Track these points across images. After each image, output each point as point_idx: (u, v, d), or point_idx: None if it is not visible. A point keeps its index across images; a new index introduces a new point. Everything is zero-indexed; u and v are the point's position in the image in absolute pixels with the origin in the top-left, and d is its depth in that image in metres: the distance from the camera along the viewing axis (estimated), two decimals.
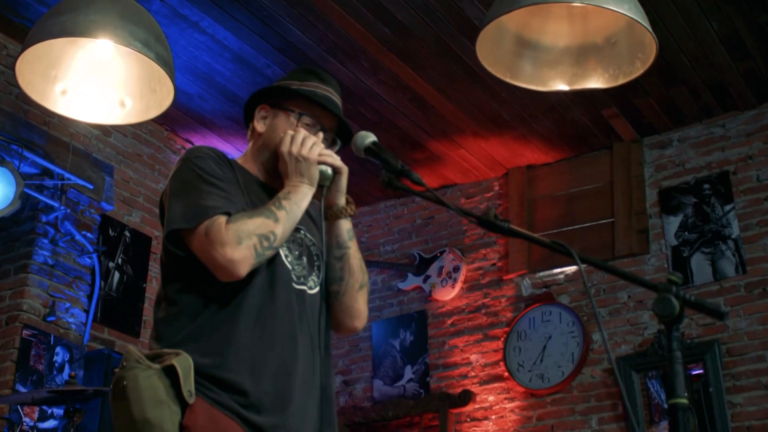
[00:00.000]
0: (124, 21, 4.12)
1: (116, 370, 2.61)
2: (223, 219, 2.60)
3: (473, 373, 7.88)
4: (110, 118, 4.45)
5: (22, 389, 6.25)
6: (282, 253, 2.76)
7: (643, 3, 3.74)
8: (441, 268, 8.31)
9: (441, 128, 7.69)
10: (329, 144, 2.96)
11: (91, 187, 6.90)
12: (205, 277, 2.63)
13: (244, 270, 2.58)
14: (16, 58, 4.16)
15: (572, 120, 7.51)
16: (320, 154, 2.82)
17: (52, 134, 6.82)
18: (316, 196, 2.87)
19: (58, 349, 6.51)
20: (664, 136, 7.69)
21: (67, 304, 6.68)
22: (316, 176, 2.81)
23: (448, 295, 8.23)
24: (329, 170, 2.85)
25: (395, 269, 8.58)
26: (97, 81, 4.37)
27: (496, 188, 8.42)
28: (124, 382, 2.51)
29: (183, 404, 2.49)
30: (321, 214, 2.90)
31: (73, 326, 6.66)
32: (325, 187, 2.88)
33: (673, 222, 7.39)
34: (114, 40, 4.07)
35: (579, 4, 3.65)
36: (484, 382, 7.80)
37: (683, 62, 6.75)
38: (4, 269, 6.69)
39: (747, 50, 6.65)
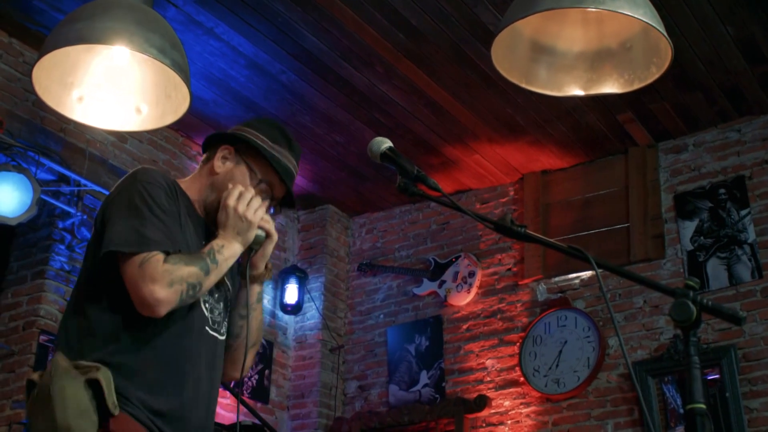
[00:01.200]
0: (140, 28, 4.13)
1: (33, 377, 2.68)
2: (161, 256, 2.65)
3: (489, 378, 7.87)
4: (126, 124, 4.46)
5: None
6: (202, 299, 2.84)
7: (658, 8, 3.74)
8: (456, 273, 8.31)
9: (456, 133, 7.69)
10: (271, 206, 3.07)
11: (107, 193, 6.90)
12: (129, 306, 2.67)
13: (164, 311, 2.64)
14: (32, 65, 4.17)
15: (587, 125, 7.50)
16: (261, 218, 2.92)
17: (68, 141, 6.84)
18: (242, 256, 2.95)
19: None
20: (679, 141, 7.67)
21: None
22: (251, 239, 2.90)
23: (463, 300, 8.23)
24: (263, 235, 2.95)
25: (410, 274, 8.58)
26: (113, 88, 4.38)
27: (511, 193, 8.42)
28: (49, 391, 2.56)
29: (102, 415, 2.56)
30: (238, 273, 3.03)
31: None
32: (253, 249, 2.96)
33: (689, 227, 7.37)
34: (130, 47, 4.09)
35: (594, 9, 3.65)
36: (499, 387, 7.79)
37: (698, 67, 6.74)
38: (21, 275, 6.72)
39: (762, 54, 6.63)
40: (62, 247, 6.70)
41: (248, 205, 2.87)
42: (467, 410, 7.71)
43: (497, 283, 8.17)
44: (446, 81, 7.00)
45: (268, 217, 2.95)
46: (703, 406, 2.01)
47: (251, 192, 2.90)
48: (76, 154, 6.86)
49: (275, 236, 2.98)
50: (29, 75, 4.36)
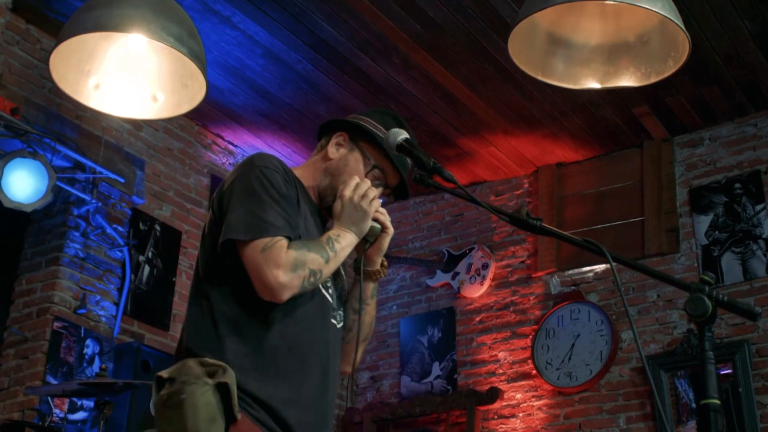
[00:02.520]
0: (157, 16, 4.14)
1: (165, 376, 2.63)
2: (284, 242, 2.64)
3: (501, 371, 7.87)
4: (142, 112, 4.47)
5: (53, 381, 6.30)
6: (323, 287, 2.82)
7: (675, 1, 3.72)
8: (470, 265, 8.31)
9: (471, 125, 7.68)
10: (384, 195, 3.04)
11: (122, 180, 6.94)
12: (251, 292, 2.66)
13: (287, 296, 2.62)
14: (50, 53, 4.18)
15: (603, 118, 7.49)
16: (376, 210, 2.89)
17: (84, 128, 6.86)
18: (357, 248, 2.93)
19: (88, 342, 6.55)
20: (695, 135, 7.65)
21: (98, 297, 6.72)
22: (366, 230, 2.88)
23: (476, 292, 8.23)
24: (378, 227, 2.92)
25: (424, 266, 8.59)
26: (129, 75, 4.39)
27: (526, 186, 8.41)
28: (183, 396, 2.54)
29: (227, 419, 2.55)
30: (354, 266, 3.00)
31: (104, 319, 6.71)
32: (368, 242, 2.94)
33: (704, 221, 7.35)
34: (147, 35, 4.09)
35: (612, 2, 3.64)
36: (511, 379, 7.79)
37: (715, 60, 6.71)
38: (35, 262, 6.74)
39: None
40: (77, 234, 6.71)
41: (364, 195, 2.84)
42: (479, 402, 7.72)
43: (510, 276, 8.16)
44: (462, 73, 6.99)
45: (383, 210, 2.93)
46: (717, 401, 2.00)
47: (368, 183, 2.88)
48: (91, 142, 6.87)
49: (391, 229, 2.97)
50: (46, 62, 4.37)
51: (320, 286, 2.78)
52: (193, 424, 2.51)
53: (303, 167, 3.04)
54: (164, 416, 2.60)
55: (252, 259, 2.63)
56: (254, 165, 2.77)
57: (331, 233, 2.79)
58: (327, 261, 2.70)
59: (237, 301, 2.69)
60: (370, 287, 3.01)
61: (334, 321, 2.87)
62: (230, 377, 2.56)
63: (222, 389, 2.55)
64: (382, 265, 3.03)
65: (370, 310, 3.02)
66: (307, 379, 2.71)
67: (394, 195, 3.07)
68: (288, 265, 2.60)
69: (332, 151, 2.99)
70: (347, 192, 2.85)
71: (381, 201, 3.00)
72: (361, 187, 2.86)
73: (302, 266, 2.62)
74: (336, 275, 2.93)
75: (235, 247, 2.68)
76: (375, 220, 2.89)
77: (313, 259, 2.66)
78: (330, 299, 2.85)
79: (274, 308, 2.67)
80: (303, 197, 2.88)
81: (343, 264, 2.94)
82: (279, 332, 2.68)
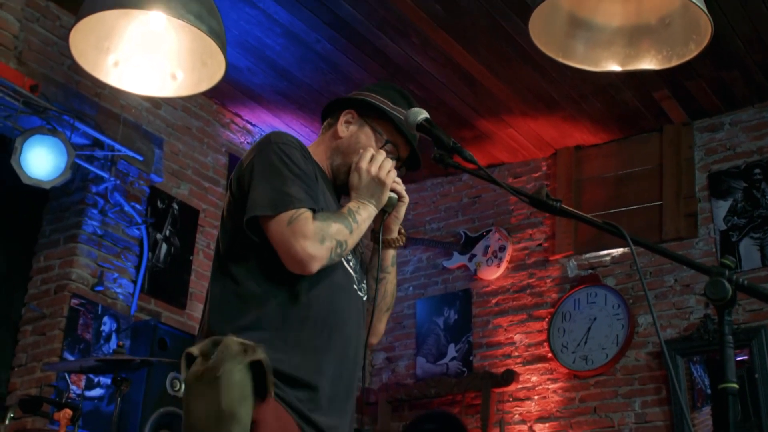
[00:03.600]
0: None
1: (197, 352, 2.61)
2: (309, 213, 2.66)
3: (517, 353, 7.87)
4: (161, 90, 4.46)
5: (70, 357, 6.33)
6: (344, 259, 2.84)
7: None
8: (487, 247, 8.30)
9: (490, 107, 7.66)
10: (397, 168, 3.05)
11: (140, 158, 6.95)
12: (276, 267, 2.68)
13: (316, 268, 2.64)
14: (69, 30, 4.18)
15: (622, 101, 7.46)
16: (393, 181, 2.92)
17: (103, 106, 6.87)
18: (375, 219, 2.95)
19: (105, 319, 6.57)
20: (715, 120, 7.61)
21: (115, 275, 6.74)
22: (384, 200, 2.90)
23: (493, 274, 8.22)
24: (396, 197, 2.95)
25: (441, 247, 8.58)
26: (149, 53, 4.38)
27: (544, 168, 8.39)
28: (219, 373, 2.53)
29: (256, 398, 2.56)
30: (372, 236, 3.02)
31: (121, 296, 6.73)
32: (386, 212, 2.96)
33: (722, 206, 7.32)
34: (167, 13, 4.08)
35: None
36: (527, 362, 7.79)
37: (737, 44, 6.67)
38: (53, 239, 6.76)
39: None
40: (95, 211, 6.73)
41: (380, 166, 2.87)
42: (494, 384, 7.72)
43: (527, 258, 8.15)
44: (482, 54, 6.96)
45: (399, 179, 2.95)
46: (735, 385, 1.99)
47: (383, 154, 2.91)
48: (110, 119, 6.88)
49: (407, 198, 3.00)
50: (66, 39, 4.37)
51: (343, 258, 2.80)
52: (227, 401, 2.51)
53: (314, 146, 3.06)
54: (197, 391, 2.59)
55: (278, 233, 2.65)
56: (272, 142, 2.79)
57: (351, 205, 2.82)
58: (351, 232, 2.73)
59: (263, 278, 2.71)
60: (390, 255, 3.04)
61: (360, 293, 2.90)
62: (263, 355, 2.57)
63: (255, 368, 2.56)
64: (399, 232, 3.06)
65: (391, 279, 3.05)
66: (334, 352, 2.72)
67: (405, 166, 3.11)
68: (315, 235, 2.62)
69: (342, 129, 3.02)
70: (363, 164, 2.88)
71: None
72: (377, 159, 2.89)
73: (329, 237, 2.65)
74: (355, 248, 2.93)
75: (259, 224, 2.69)
76: (392, 190, 2.92)
77: (338, 230, 2.69)
78: (352, 271, 2.87)
79: (299, 283, 2.69)
80: (320, 174, 2.91)
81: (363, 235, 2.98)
82: (305, 306, 2.69)
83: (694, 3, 3.56)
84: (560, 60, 3.98)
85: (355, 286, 2.87)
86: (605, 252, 7.74)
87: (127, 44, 4.33)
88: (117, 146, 6.76)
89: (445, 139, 2.71)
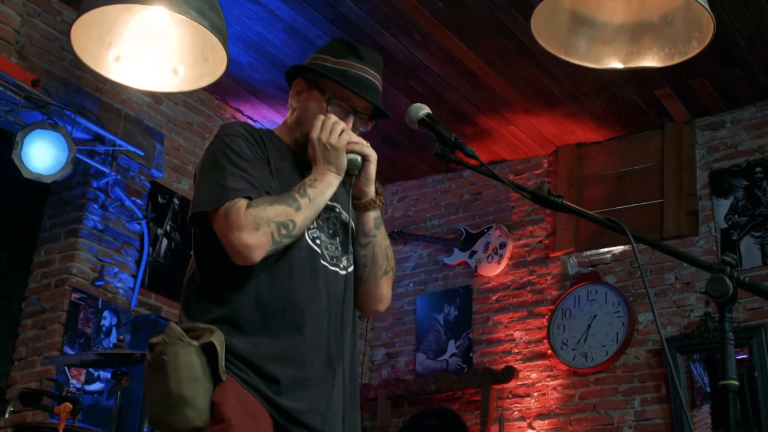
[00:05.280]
0: None
1: (153, 341, 2.64)
2: (243, 203, 2.62)
3: (516, 350, 7.87)
4: (163, 85, 4.46)
5: (70, 351, 6.33)
6: (310, 236, 2.78)
7: None
8: (487, 243, 8.30)
9: (491, 103, 7.66)
10: (364, 123, 2.99)
11: (141, 153, 6.95)
12: (228, 259, 2.66)
13: (258, 256, 2.60)
14: (70, 24, 4.18)
15: (624, 99, 7.45)
16: (349, 142, 2.83)
17: (104, 100, 6.87)
18: (346, 183, 2.89)
19: (105, 313, 6.58)
20: (716, 118, 7.61)
21: (116, 269, 6.74)
22: (344, 165, 2.82)
23: (493, 271, 8.22)
24: (358, 159, 2.86)
25: (441, 244, 8.59)
26: (150, 48, 4.37)
27: (545, 165, 8.39)
28: (165, 357, 2.55)
29: (215, 381, 2.56)
30: (349, 203, 2.91)
31: (121, 291, 6.73)
32: (353, 176, 2.88)
33: (723, 204, 7.32)
34: (169, 8, 4.08)
35: None
36: (527, 359, 7.80)
37: (739, 43, 6.67)
38: (54, 233, 6.76)
39: None
40: (96, 206, 6.73)
41: (331, 131, 2.80)
42: (494, 381, 7.73)
43: (528, 255, 8.15)
44: (483, 50, 6.96)
45: (358, 139, 2.87)
46: (736, 382, 1.99)
47: (332, 118, 2.83)
48: (111, 114, 6.88)
49: (373, 155, 2.90)
50: (67, 34, 4.37)
51: (306, 236, 2.77)
52: (174, 384, 2.51)
53: (282, 125, 3.03)
54: (149, 380, 2.62)
55: (218, 228, 2.64)
56: (217, 136, 2.79)
57: (307, 179, 2.77)
58: (298, 209, 2.67)
59: (220, 272, 2.70)
60: (372, 218, 2.94)
61: (335, 268, 2.82)
62: (217, 338, 2.56)
63: (208, 351, 2.56)
64: (377, 193, 2.95)
65: (379, 241, 2.95)
66: (302, 335, 2.68)
67: (372, 118, 3.02)
68: (248, 224, 2.58)
69: (294, 101, 2.98)
70: (314, 133, 2.81)
71: (361, 130, 2.99)
72: (326, 124, 2.82)
73: (265, 223, 2.60)
74: (333, 219, 2.90)
75: (207, 220, 2.69)
76: (352, 151, 2.84)
77: (277, 212, 2.63)
78: (318, 248, 2.80)
79: (254, 272, 2.67)
80: (278, 154, 2.87)
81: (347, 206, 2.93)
82: (264, 293, 2.67)
83: (696, 1, 3.55)
84: (562, 57, 3.98)
85: (325, 263, 2.80)
86: (606, 249, 7.74)
87: (128, 39, 4.33)
88: (118, 141, 6.76)
89: (446, 135, 2.69)
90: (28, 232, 6.88)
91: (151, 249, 7.01)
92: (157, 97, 7.33)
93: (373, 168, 2.92)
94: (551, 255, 8.00)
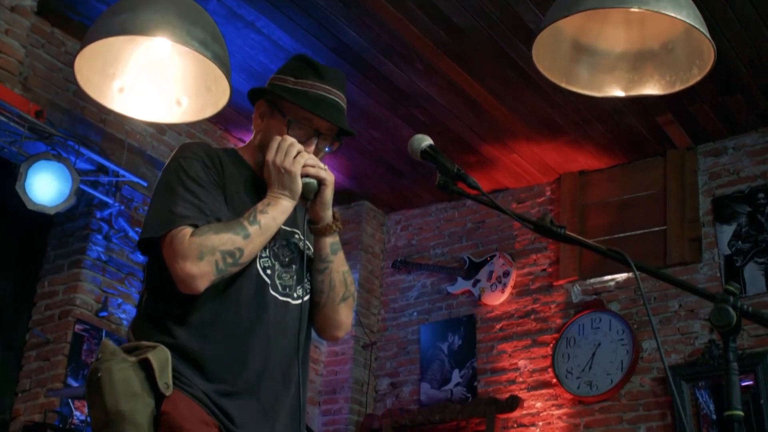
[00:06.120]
0: (182, 20, 4.14)
1: (93, 362, 2.59)
2: (188, 231, 2.56)
3: (521, 379, 7.85)
4: (166, 116, 4.47)
5: (74, 383, 6.32)
6: (261, 265, 2.72)
7: (700, 9, 3.70)
8: (491, 272, 8.29)
9: (494, 132, 7.67)
10: (329, 143, 2.91)
11: (145, 184, 6.96)
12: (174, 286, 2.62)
13: (202, 285, 2.55)
14: (74, 56, 4.20)
15: (626, 126, 7.46)
16: (305, 165, 2.75)
17: (108, 131, 6.89)
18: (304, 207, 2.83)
19: None
20: (718, 144, 7.61)
21: (119, 300, 6.74)
22: (298, 190, 2.74)
23: (497, 299, 8.21)
24: (314, 182, 2.78)
25: (445, 272, 8.58)
26: (153, 79, 4.39)
27: (548, 193, 8.39)
28: (99, 374, 2.49)
29: (158, 397, 2.49)
30: (303, 228, 2.85)
31: (125, 322, 6.73)
32: (308, 200, 2.80)
33: (727, 231, 7.31)
34: (172, 39, 4.10)
35: (637, 10, 3.63)
36: (532, 388, 7.77)
37: (740, 69, 6.68)
38: (58, 264, 6.77)
39: None
40: (99, 237, 6.74)
41: (286, 154, 2.72)
42: (499, 410, 7.69)
43: (532, 284, 8.14)
44: (485, 79, 6.98)
45: (315, 161, 2.78)
46: (741, 413, 1.99)
47: (287, 141, 2.74)
48: (115, 145, 6.90)
49: (329, 179, 2.80)
50: (71, 65, 4.39)
51: (257, 265, 2.71)
52: (111, 400, 2.45)
53: (246, 146, 2.96)
54: (89, 400, 2.55)
55: (165, 255, 2.59)
56: (174, 157, 2.74)
57: (259, 204, 2.70)
58: (246, 237, 2.60)
59: (165, 298, 2.64)
60: (328, 243, 2.85)
61: (286, 299, 2.76)
62: (155, 354, 2.50)
63: (147, 367, 2.49)
64: (334, 218, 2.85)
65: (336, 267, 2.86)
66: (246, 367, 2.63)
67: (338, 138, 2.94)
68: (192, 253, 2.52)
69: (256, 123, 2.91)
70: (269, 156, 2.74)
71: (327, 150, 2.90)
72: (281, 147, 2.74)
73: (209, 251, 2.53)
74: (290, 246, 2.83)
75: (157, 246, 2.64)
76: (307, 175, 2.76)
77: (223, 240, 2.56)
78: (268, 279, 2.73)
79: (200, 300, 2.61)
80: (237, 177, 2.80)
81: (306, 234, 2.86)
82: (207, 324, 2.61)
83: (696, 28, 3.57)
84: (563, 85, 3.99)
85: (273, 292, 2.73)
86: (609, 277, 7.73)
87: (132, 70, 4.35)
88: (121, 172, 6.78)
89: (449, 166, 2.66)
90: (31, 263, 6.89)
91: None
92: (161, 128, 7.35)
93: (329, 192, 2.81)
94: (555, 283, 7.99)
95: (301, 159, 2.74)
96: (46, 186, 6.12)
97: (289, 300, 2.77)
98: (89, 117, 6.77)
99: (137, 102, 4.39)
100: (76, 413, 6.24)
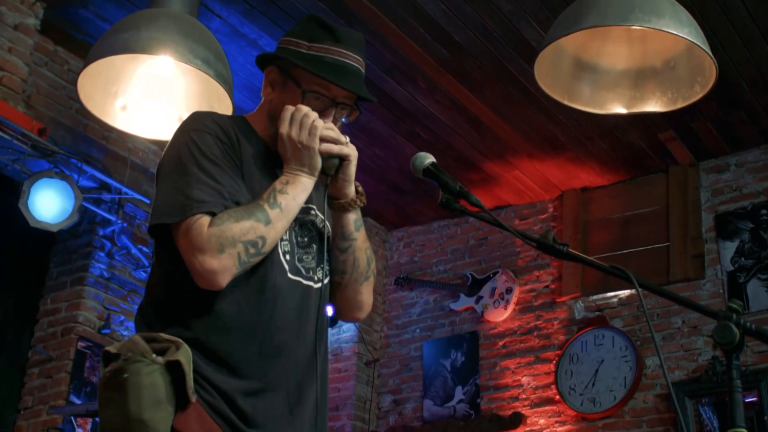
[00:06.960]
0: (185, 38, 4.16)
1: (110, 350, 2.36)
2: (206, 220, 2.35)
3: (524, 396, 7.83)
4: (169, 133, 4.46)
5: (77, 401, 6.31)
6: (282, 249, 2.51)
7: (702, 26, 3.72)
8: (494, 289, 8.29)
9: (496, 149, 7.67)
10: (347, 113, 2.67)
11: (148, 201, 6.96)
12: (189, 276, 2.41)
13: (224, 281, 2.35)
14: (77, 74, 4.22)
15: (628, 142, 7.46)
16: (324, 140, 2.53)
17: (110, 149, 6.90)
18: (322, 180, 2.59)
19: None
20: (721, 161, 7.61)
21: (122, 317, 6.74)
22: (318, 166, 2.53)
23: (500, 316, 8.20)
24: (335, 160, 2.56)
25: (447, 289, 8.57)
26: (156, 97, 4.41)
27: (551, 210, 8.39)
28: (125, 375, 2.27)
29: (177, 404, 2.31)
30: (324, 206, 2.62)
31: None
32: (329, 176, 2.58)
33: (729, 247, 7.30)
34: (174, 57, 4.12)
35: (638, 28, 3.64)
36: (535, 404, 7.75)
37: (742, 86, 6.69)
38: (60, 281, 6.77)
39: None
40: (102, 254, 6.75)
41: (301, 127, 2.49)
42: (502, 427, 7.68)
43: (534, 300, 8.13)
44: (488, 96, 6.99)
45: (335, 133, 2.55)
46: (745, 430, 1.98)
47: (302, 110, 2.51)
48: (117, 162, 6.91)
49: (352, 153, 2.58)
50: (74, 83, 4.41)
51: (277, 248, 2.49)
52: (135, 407, 2.25)
53: (257, 113, 2.72)
54: (105, 398, 2.34)
55: (180, 246, 2.38)
56: (184, 130, 2.54)
57: (277, 183, 2.48)
58: (268, 223, 2.39)
59: (181, 288, 2.43)
60: (352, 220, 2.64)
61: (309, 282, 2.55)
62: (183, 354, 2.30)
63: (174, 369, 2.30)
64: (357, 192, 2.64)
65: (359, 245, 2.66)
66: (273, 361, 2.44)
67: (356, 106, 2.67)
68: (211, 246, 2.32)
69: (267, 92, 2.66)
70: (283, 129, 2.51)
71: (343, 121, 2.68)
72: (296, 118, 2.51)
73: (230, 243, 2.33)
74: (308, 226, 2.62)
75: (168, 230, 2.43)
76: (328, 153, 2.54)
77: (244, 230, 2.35)
78: (287, 262, 2.51)
79: (222, 292, 2.39)
80: (251, 150, 2.57)
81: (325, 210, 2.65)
82: (223, 315, 2.41)
83: (698, 46, 3.58)
84: (566, 102, 4.00)
85: (296, 276, 2.52)
86: (612, 294, 7.72)
87: (134, 88, 4.37)
88: (124, 189, 6.79)
89: (451, 184, 2.59)
90: (34, 280, 6.89)
91: None
92: (163, 145, 7.33)
93: (352, 168, 2.60)
94: (558, 300, 7.98)
95: (318, 132, 2.51)
96: (49, 203, 6.12)
97: (311, 284, 2.57)
98: (92, 135, 6.78)
99: (140, 120, 4.41)
100: (79, 430, 6.24)
